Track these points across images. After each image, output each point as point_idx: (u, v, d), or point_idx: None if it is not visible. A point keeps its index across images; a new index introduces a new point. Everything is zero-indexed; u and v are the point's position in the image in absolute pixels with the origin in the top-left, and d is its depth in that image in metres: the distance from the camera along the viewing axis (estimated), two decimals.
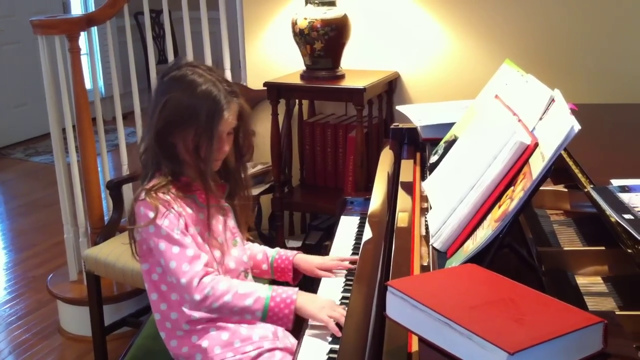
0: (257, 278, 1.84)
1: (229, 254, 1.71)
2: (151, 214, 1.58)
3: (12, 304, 3.39)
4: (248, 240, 1.85)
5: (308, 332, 1.51)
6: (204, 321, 1.66)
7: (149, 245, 1.63)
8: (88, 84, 3.12)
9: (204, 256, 1.61)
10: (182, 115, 1.60)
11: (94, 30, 5.74)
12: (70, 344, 3.01)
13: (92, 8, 6.49)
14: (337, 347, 1.40)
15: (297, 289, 1.60)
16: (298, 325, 1.58)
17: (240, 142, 1.71)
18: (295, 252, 1.86)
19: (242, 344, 1.66)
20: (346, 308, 1.45)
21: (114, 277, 2.67)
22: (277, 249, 1.88)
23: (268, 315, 1.57)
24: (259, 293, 1.58)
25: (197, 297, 1.56)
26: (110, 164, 5.04)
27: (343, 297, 1.64)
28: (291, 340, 1.75)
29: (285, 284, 1.80)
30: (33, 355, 2.94)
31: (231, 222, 1.75)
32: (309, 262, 1.81)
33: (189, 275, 1.56)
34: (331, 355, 1.41)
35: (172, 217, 1.59)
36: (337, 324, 1.47)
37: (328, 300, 1.57)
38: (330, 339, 1.47)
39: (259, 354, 1.66)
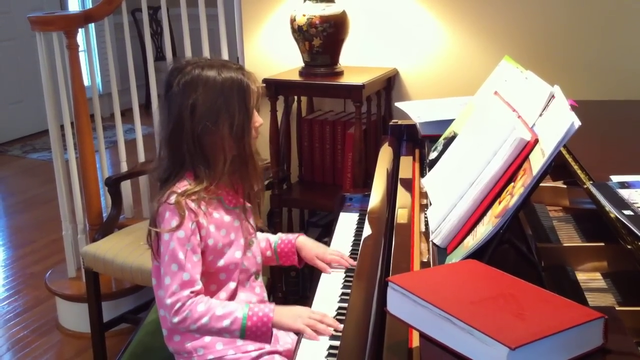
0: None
1: (246, 255, 1.71)
2: (174, 223, 1.57)
3: (10, 300, 3.39)
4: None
5: None
6: None
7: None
8: (86, 81, 3.12)
9: (198, 284, 1.59)
10: (216, 110, 1.58)
11: (92, 27, 5.73)
12: (68, 341, 3.02)
13: (89, 4, 6.48)
14: (337, 343, 1.40)
15: (273, 305, 1.59)
16: None
17: None
18: (297, 234, 1.87)
19: (244, 342, 1.66)
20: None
21: (113, 273, 2.67)
22: (279, 234, 1.88)
23: (246, 334, 1.57)
24: (236, 314, 1.57)
25: (176, 319, 1.57)
26: (108, 161, 5.03)
27: (343, 293, 1.64)
28: (291, 336, 1.76)
29: (291, 268, 1.79)
30: (31, 352, 2.94)
31: (250, 221, 1.74)
32: (309, 250, 1.81)
33: (175, 298, 1.57)
34: (331, 351, 1.41)
35: (189, 231, 1.58)
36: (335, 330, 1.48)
37: (303, 309, 1.56)
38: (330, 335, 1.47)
39: (259, 355, 1.67)
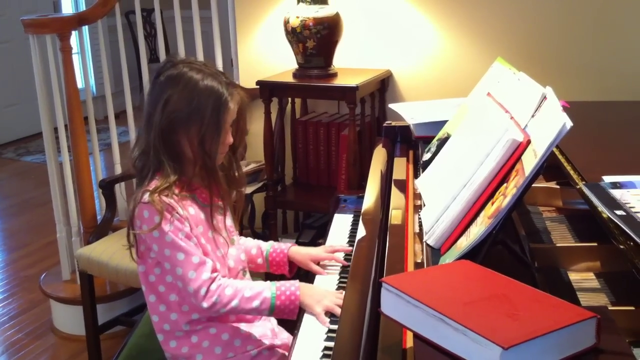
0: (253, 273, 1.84)
1: (228, 253, 1.71)
2: (156, 219, 1.56)
3: (4, 304, 3.38)
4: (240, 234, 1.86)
5: (302, 329, 1.52)
6: (204, 320, 1.66)
7: (147, 247, 1.62)
8: (79, 83, 3.11)
9: (209, 262, 1.60)
10: (187, 111, 1.58)
11: (85, 29, 5.72)
12: (63, 344, 3.01)
13: (82, 7, 6.47)
14: (331, 344, 1.40)
15: (297, 283, 1.62)
16: (293, 320, 1.59)
17: (233, 133, 1.68)
18: (289, 244, 1.87)
19: (243, 343, 1.67)
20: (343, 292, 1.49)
21: (107, 276, 2.67)
22: (271, 242, 1.89)
23: (275, 312, 1.61)
24: (265, 294, 1.60)
25: (205, 305, 1.58)
26: (102, 163, 5.03)
27: None
28: (284, 336, 1.77)
29: (281, 277, 1.81)
30: (26, 355, 2.93)
31: (229, 221, 1.75)
32: (303, 254, 1.82)
33: (196, 284, 1.57)
34: (326, 352, 1.41)
35: (176, 222, 1.58)
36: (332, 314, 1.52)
37: (326, 292, 1.60)
38: (325, 336, 1.47)
39: (259, 352, 1.67)
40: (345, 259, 1.79)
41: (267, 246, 1.87)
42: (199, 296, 1.57)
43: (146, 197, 1.58)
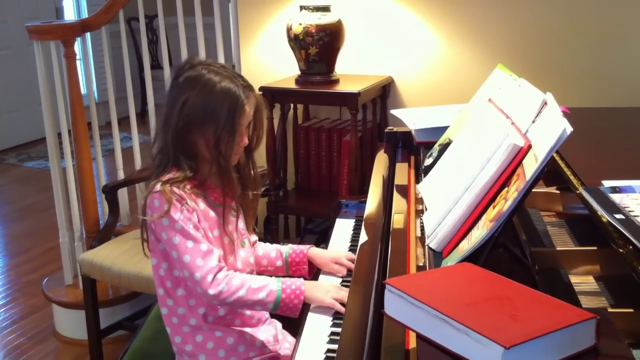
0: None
1: (237, 255, 1.72)
2: (166, 206, 1.59)
3: (6, 308, 3.39)
4: (259, 239, 1.88)
5: (305, 332, 1.53)
6: (211, 322, 1.68)
7: (157, 237, 1.64)
8: (82, 89, 3.13)
9: (216, 251, 1.63)
10: (203, 113, 1.61)
11: (88, 36, 5.74)
12: (65, 348, 3.02)
13: (84, 14, 6.50)
14: (334, 346, 1.41)
15: (302, 280, 1.65)
16: (296, 323, 1.61)
17: (250, 135, 1.71)
18: (308, 245, 1.88)
19: (246, 349, 1.68)
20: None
21: (110, 280, 2.68)
22: (290, 244, 1.90)
23: (279, 306, 1.62)
24: (271, 286, 1.63)
25: (211, 292, 1.59)
26: (104, 169, 5.03)
27: None
28: (289, 340, 1.78)
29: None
30: None
31: (241, 223, 1.76)
32: (323, 256, 1.82)
33: (204, 271, 1.58)
34: (329, 354, 1.43)
35: (185, 211, 1.60)
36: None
37: (331, 285, 1.64)
38: (328, 338, 1.49)
39: None
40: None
41: (287, 248, 1.88)
42: (205, 283, 1.58)
43: (158, 186, 1.61)
